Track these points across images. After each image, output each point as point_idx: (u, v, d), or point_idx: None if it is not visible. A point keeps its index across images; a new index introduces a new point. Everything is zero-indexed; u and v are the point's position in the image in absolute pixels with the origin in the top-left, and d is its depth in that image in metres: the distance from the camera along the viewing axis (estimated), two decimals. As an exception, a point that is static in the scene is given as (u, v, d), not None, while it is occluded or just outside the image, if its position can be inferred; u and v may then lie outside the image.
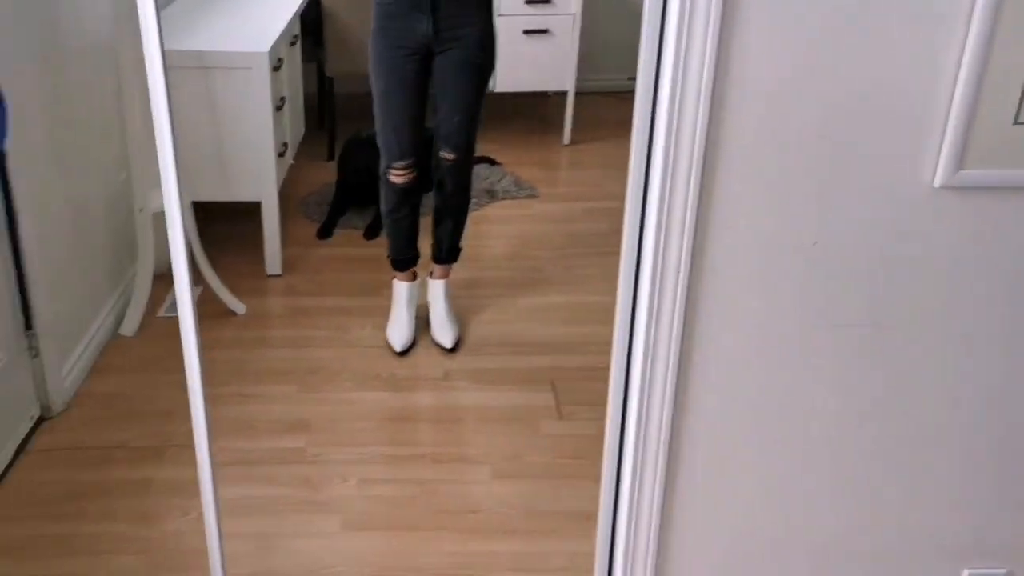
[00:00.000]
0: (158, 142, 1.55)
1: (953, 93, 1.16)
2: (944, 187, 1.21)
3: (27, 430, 2.29)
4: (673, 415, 1.39)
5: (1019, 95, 1.14)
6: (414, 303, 2.80)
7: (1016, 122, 1.16)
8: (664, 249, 1.25)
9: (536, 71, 4.03)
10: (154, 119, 1.56)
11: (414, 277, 2.82)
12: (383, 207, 2.72)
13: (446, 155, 2.64)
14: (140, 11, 1.57)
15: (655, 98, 1.21)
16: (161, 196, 1.48)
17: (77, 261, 2.55)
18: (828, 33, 1.16)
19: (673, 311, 1.31)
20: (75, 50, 2.51)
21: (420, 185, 2.68)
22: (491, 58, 2.59)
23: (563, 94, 4.12)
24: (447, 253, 2.84)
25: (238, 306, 2.88)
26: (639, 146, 1.25)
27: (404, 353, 2.71)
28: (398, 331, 2.74)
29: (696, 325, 1.33)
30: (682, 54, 1.16)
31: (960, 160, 1.19)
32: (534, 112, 4.47)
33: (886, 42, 1.16)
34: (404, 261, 2.78)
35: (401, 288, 2.79)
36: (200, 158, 2.88)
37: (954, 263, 1.28)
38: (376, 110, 2.55)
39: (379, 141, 2.59)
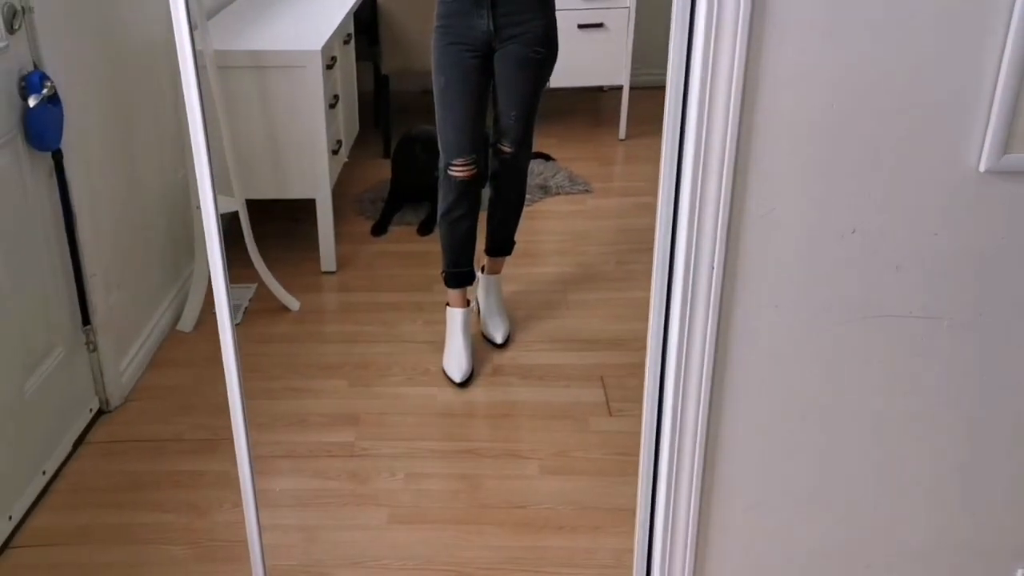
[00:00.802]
0: (192, 140, 1.58)
1: (997, 77, 1.11)
2: (989, 171, 1.16)
3: (85, 423, 2.37)
4: (709, 414, 1.37)
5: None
6: (469, 331, 2.69)
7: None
8: (697, 242, 1.23)
9: (591, 66, 3.99)
10: (188, 118, 1.59)
11: (468, 303, 2.72)
12: (440, 206, 2.64)
13: (503, 148, 2.61)
14: (172, 14, 1.61)
15: (687, 86, 1.19)
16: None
17: (135, 258, 2.62)
18: (865, 20, 1.11)
19: (708, 305, 1.28)
20: (134, 48, 2.58)
21: (479, 181, 2.62)
22: (553, 53, 2.57)
23: (618, 89, 4.09)
24: (501, 245, 2.80)
25: (292, 302, 2.92)
26: (671, 137, 1.23)
27: (464, 384, 2.58)
28: (455, 361, 2.63)
29: (732, 319, 1.30)
30: (712, 42, 1.13)
31: (1005, 145, 1.13)
32: (589, 107, 4.44)
33: (927, 27, 1.11)
34: (459, 276, 2.66)
35: (455, 315, 2.68)
36: (254, 156, 2.94)
37: (1001, 249, 1.22)
38: (437, 107, 2.53)
39: (440, 138, 2.57)
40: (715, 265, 1.25)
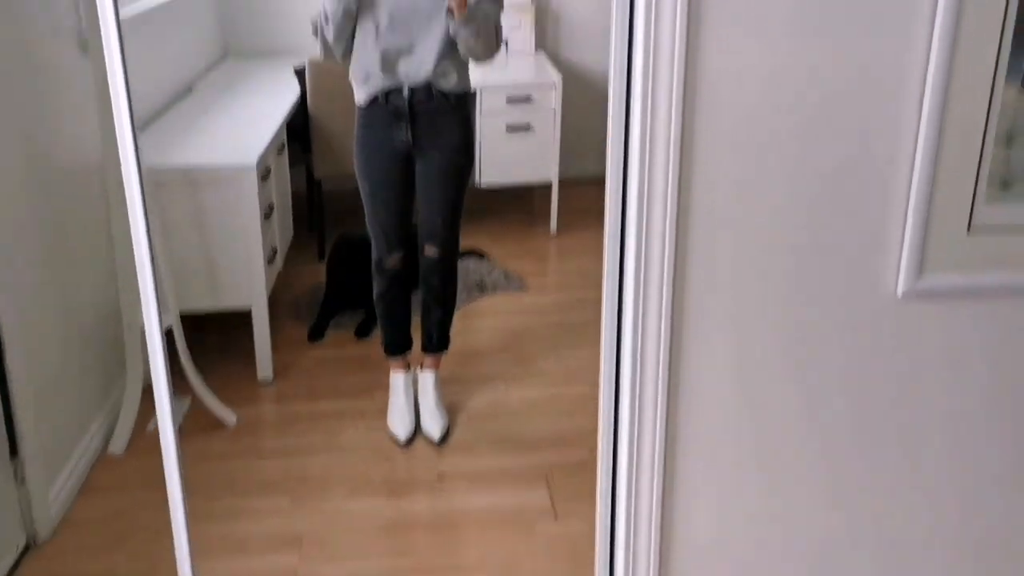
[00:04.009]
0: (136, 259, 1.58)
1: (908, 205, 1.18)
2: (907, 294, 1.23)
3: (13, 561, 2.26)
4: (663, 514, 1.38)
5: (970, 204, 1.16)
6: (411, 391, 2.88)
7: (970, 230, 1.17)
8: (642, 370, 1.26)
9: (520, 165, 4.10)
10: (132, 236, 1.59)
11: (408, 367, 2.90)
12: (375, 291, 2.82)
13: (430, 252, 2.75)
14: (117, 132, 1.62)
15: (624, 189, 1.24)
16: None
17: (65, 380, 2.55)
18: (785, 173, 1.18)
19: (655, 409, 1.30)
20: (65, 168, 2.56)
21: (411, 273, 2.82)
22: (470, 160, 2.69)
23: (548, 185, 4.18)
24: (437, 342, 2.89)
25: (228, 416, 2.87)
26: (612, 240, 1.27)
27: (409, 443, 2.74)
28: (399, 420, 2.79)
29: (678, 419, 1.33)
30: (647, 156, 1.18)
31: (920, 268, 1.20)
32: (520, 203, 4.52)
33: (838, 168, 1.19)
34: (397, 345, 2.86)
35: (397, 378, 2.87)
36: (188, 269, 2.91)
37: (920, 368, 1.28)
38: (366, 209, 2.71)
39: (371, 235, 2.75)
40: (659, 383, 1.28)
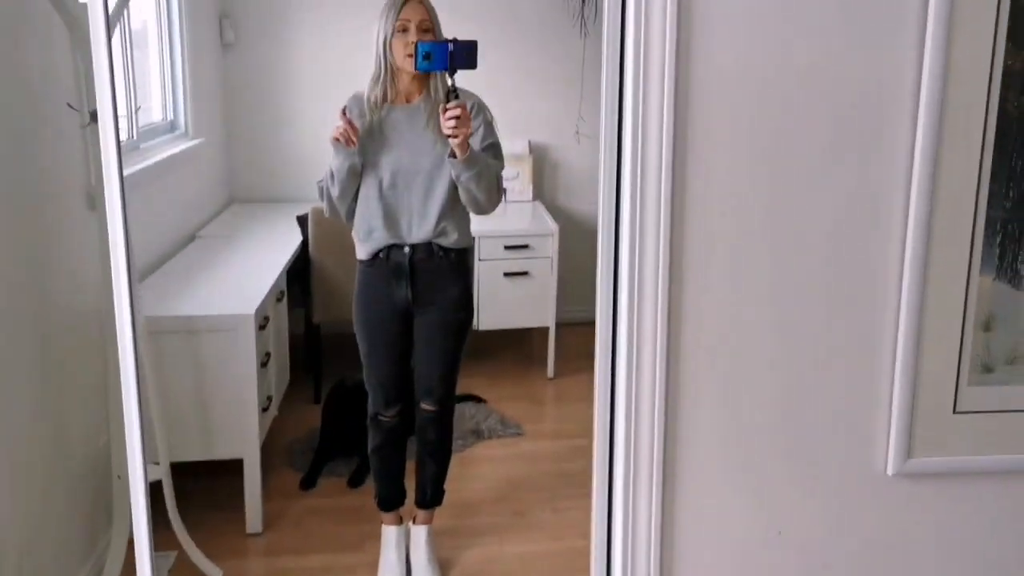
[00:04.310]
0: (125, 410, 1.58)
1: (893, 389, 1.20)
2: (898, 474, 1.22)
3: None
4: None
5: (954, 388, 1.17)
6: (403, 547, 2.82)
7: (955, 412, 1.18)
8: (633, 557, 1.24)
9: (518, 310, 4.15)
10: (122, 388, 1.59)
11: (400, 520, 2.85)
12: (370, 445, 2.80)
13: (427, 407, 2.75)
14: (115, 287, 1.65)
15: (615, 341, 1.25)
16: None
17: (50, 530, 2.50)
18: (771, 321, 1.20)
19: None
20: (65, 315, 2.59)
21: (406, 424, 2.80)
22: (469, 316, 2.71)
23: (545, 329, 4.22)
24: (431, 498, 2.84)
25: (214, 572, 2.79)
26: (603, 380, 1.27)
27: None
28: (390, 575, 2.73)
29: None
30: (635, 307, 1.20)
31: (908, 449, 1.20)
32: (518, 346, 4.55)
33: (824, 356, 1.21)
34: (391, 500, 2.83)
35: (389, 533, 2.82)
36: (181, 418, 2.90)
37: (911, 546, 1.26)
38: (363, 364, 2.71)
39: (368, 390, 2.74)
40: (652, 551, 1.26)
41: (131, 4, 3.38)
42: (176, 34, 3.86)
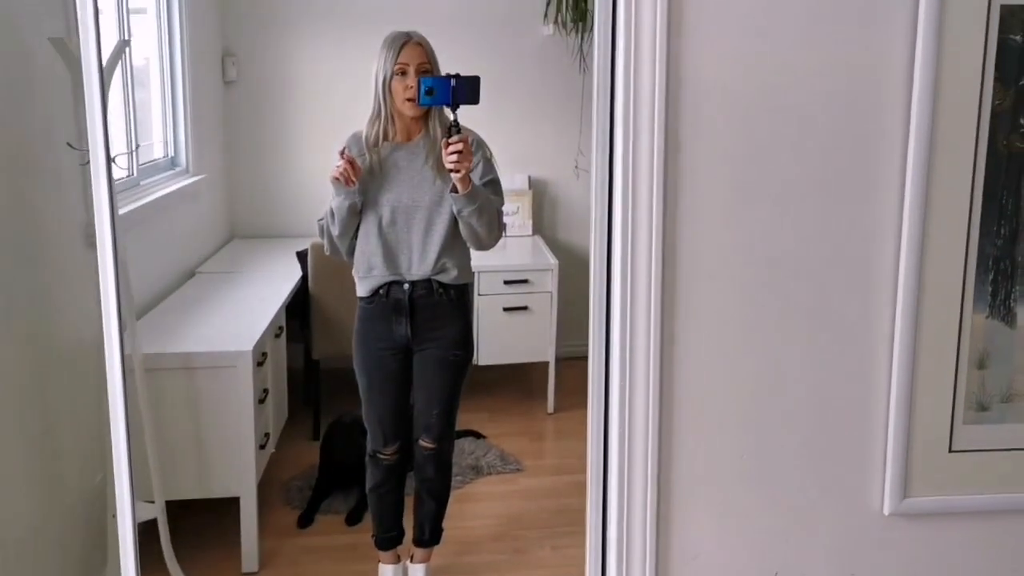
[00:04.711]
0: (113, 448, 1.56)
1: (888, 427, 1.19)
2: (894, 514, 1.21)
3: None
4: None
5: (949, 426, 1.16)
6: None
7: (951, 451, 1.17)
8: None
9: (517, 344, 4.14)
10: (111, 431, 1.58)
11: (398, 559, 2.83)
12: (368, 483, 2.78)
13: (425, 444, 2.73)
14: (104, 324, 1.64)
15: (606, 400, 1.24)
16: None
17: (43, 570, 2.47)
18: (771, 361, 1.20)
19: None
20: (60, 351, 2.58)
21: (405, 461, 2.78)
22: (469, 353, 2.69)
23: (545, 364, 4.20)
24: (429, 536, 2.82)
25: (209, 612, 2.75)
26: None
27: None
28: None
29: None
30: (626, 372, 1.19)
31: (904, 488, 1.19)
32: (517, 382, 4.53)
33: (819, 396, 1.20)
34: (388, 539, 2.80)
35: (387, 572, 2.80)
36: (177, 456, 2.88)
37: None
38: (363, 401, 2.70)
39: (367, 427, 2.73)
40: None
41: (133, 41, 3.42)
42: (178, 71, 3.90)
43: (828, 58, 1.22)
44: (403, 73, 2.44)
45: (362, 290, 2.62)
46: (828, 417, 1.20)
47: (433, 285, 2.55)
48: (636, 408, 1.17)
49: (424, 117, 2.53)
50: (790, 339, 1.19)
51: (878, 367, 1.19)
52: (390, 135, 2.52)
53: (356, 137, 2.56)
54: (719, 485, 1.22)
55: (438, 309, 2.57)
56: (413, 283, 2.55)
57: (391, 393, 2.66)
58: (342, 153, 2.46)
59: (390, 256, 2.54)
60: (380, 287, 2.57)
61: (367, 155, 2.52)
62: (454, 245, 2.54)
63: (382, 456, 2.72)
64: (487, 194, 2.50)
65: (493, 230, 2.52)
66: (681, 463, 1.20)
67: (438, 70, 2.50)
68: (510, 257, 4.25)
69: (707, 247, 1.18)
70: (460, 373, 2.67)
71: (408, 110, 2.47)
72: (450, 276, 2.56)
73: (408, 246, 2.53)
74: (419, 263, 2.54)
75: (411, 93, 2.42)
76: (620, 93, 1.17)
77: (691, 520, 1.24)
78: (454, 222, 2.50)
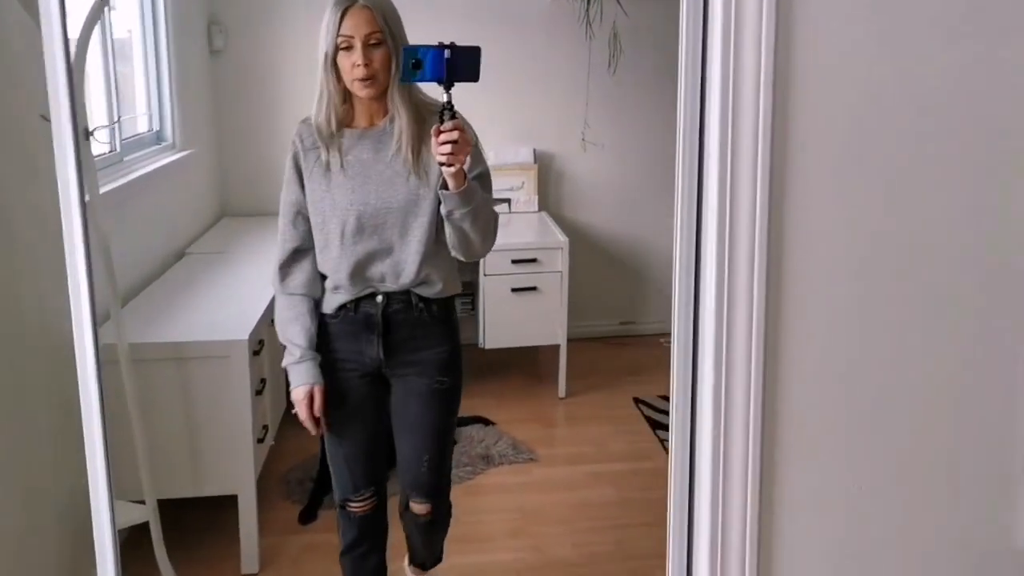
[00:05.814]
0: (87, 448, 1.40)
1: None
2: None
3: None
4: None
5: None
6: None
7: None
8: None
9: (526, 327, 3.96)
10: (83, 424, 1.41)
11: None
12: (341, 542, 2.28)
13: (417, 507, 2.26)
14: (73, 313, 1.46)
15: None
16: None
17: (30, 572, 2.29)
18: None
19: None
20: (35, 345, 2.38)
21: (381, 511, 2.27)
22: (458, 381, 2.20)
23: (555, 346, 4.02)
24: (425, 559, 2.48)
25: (208, 621, 2.57)
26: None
27: None
28: None
29: None
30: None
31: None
32: (526, 365, 4.35)
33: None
34: None
35: None
36: (171, 453, 2.69)
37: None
38: (325, 441, 2.21)
39: (332, 472, 2.23)
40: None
41: (115, 13, 3.19)
42: (162, 40, 3.66)
43: (962, 48, 1.02)
44: (348, 47, 1.97)
45: (326, 306, 2.14)
46: (963, 438, 1.02)
47: (412, 299, 2.10)
48: (733, 436, 0.97)
49: (384, 95, 2.02)
50: (922, 350, 1.00)
51: (1021, 386, 1.00)
52: (340, 122, 2.06)
53: (308, 125, 2.09)
54: (830, 514, 1.04)
55: (418, 327, 2.12)
56: (388, 295, 2.10)
57: (361, 429, 2.17)
58: (307, 400, 2.06)
59: (358, 271, 2.08)
60: (348, 303, 2.12)
61: (322, 151, 2.07)
62: (437, 252, 2.07)
63: (353, 507, 2.21)
64: (483, 192, 2.03)
65: (488, 236, 2.06)
66: (785, 489, 1.01)
67: (402, 37, 2.01)
68: (517, 235, 4.05)
69: (819, 236, 0.99)
70: (450, 406, 2.19)
71: (360, 90, 1.99)
72: (434, 289, 2.11)
73: (380, 256, 2.07)
74: (396, 274, 2.08)
75: (360, 72, 1.96)
76: (717, 75, 0.96)
77: (796, 554, 1.05)
78: (436, 225, 2.05)
